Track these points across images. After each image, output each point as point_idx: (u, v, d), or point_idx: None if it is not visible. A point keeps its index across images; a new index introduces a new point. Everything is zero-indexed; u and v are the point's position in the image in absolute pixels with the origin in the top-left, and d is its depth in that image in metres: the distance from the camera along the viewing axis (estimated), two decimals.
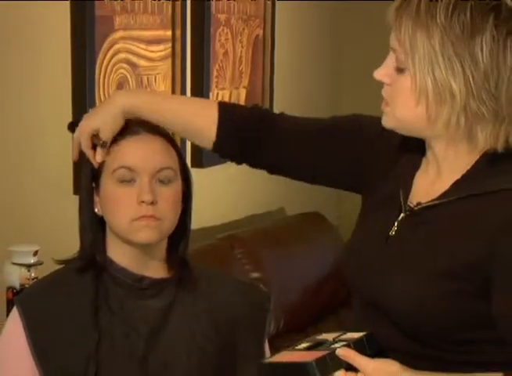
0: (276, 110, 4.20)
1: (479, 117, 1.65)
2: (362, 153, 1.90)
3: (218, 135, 1.97)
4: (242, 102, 4.06)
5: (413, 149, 1.81)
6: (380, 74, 1.72)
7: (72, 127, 2.00)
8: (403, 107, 1.70)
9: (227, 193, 4.11)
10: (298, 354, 1.70)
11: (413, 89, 1.67)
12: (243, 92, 4.09)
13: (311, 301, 4.00)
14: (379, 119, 1.78)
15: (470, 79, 1.62)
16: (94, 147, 1.88)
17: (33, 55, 3.00)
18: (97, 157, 1.86)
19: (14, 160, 2.97)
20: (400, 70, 1.69)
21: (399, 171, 1.83)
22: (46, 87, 3.05)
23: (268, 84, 4.25)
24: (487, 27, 1.61)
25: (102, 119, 1.90)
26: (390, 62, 1.71)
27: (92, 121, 1.91)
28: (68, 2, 3.06)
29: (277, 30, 4.26)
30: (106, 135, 1.88)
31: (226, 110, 1.99)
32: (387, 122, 1.75)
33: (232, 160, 2.03)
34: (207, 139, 1.99)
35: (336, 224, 4.55)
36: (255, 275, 3.72)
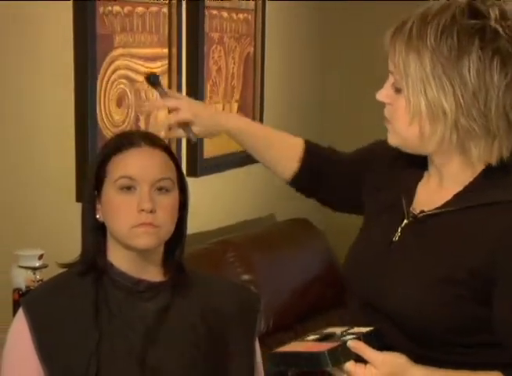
0: (265, 121, 4.22)
1: (471, 134, 1.66)
2: (364, 173, 1.96)
3: (299, 169, 2.07)
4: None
5: (416, 163, 1.82)
6: (381, 95, 1.74)
7: (152, 79, 2.02)
8: (401, 125, 1.71)
9: (220, 201, 4.11)
10: (309, 344, 1.70)
11: (408, 109, 1.68)
12: (235, 106, 4.10)
13: (299, 302, 3.99)
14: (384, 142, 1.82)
15: (460, 98, 1.63)
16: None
17: (38, 70, 3.00)
18: (163, 134, 1.92)
19: (22, 173, 2.97)
20: (398, 90, 1.70)
21: (402, 182, 1.83)
22: (50, 102, 3.05)
23: (259, 98, 4.25)
24: (473, 49, 1.62)
25: (207, 126, 2.03)
26: (389, 83, 1.73)
27: (200, 115, 2.01)
28: (71, 22, 3.06)
29: (267, 47, 4.26)
30: (199, 135, 2.01)
31: (310, 147, 2.09)
32: (392, 140, 1.77)
33: (303, 193, 2.14)
34: (288, 170, 2.09)
35: (323, 229, 4.55)
36: (246, 277, 3.72)
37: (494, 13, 1.63)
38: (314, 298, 4.08)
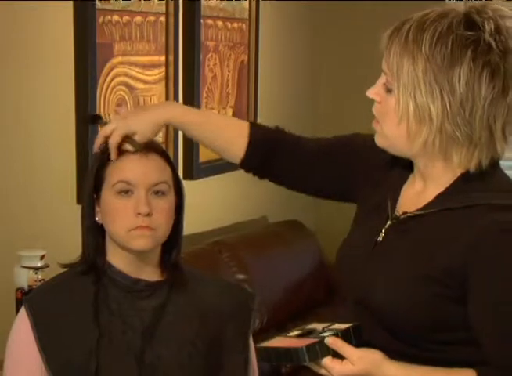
0: None
1: (454, 140, 1.66)
2: (355, 166, 1.92)
3: (246, 150, 1.98)
4: None
5: (403, 165, 1.82)
6: (371, 92, 1.73)
7: (94, 119, 1.96)
8: (389, 124, 1.71)
9: (215, 203, 4.11)
10: (290, 340, 1.71)
11: (396, 109, 1.68)
12: (229, 112, 4.10)
13: (292, 300, 4.00)
14: (373, 136, 1.79)
15: (447, 105, 1.63)
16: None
17: (41, 77, 2.99)
18: (112, 156, 1.82)
19: (24, 178, 2.97)
20: (388, 90, 1.70)
21: (389, 183, 1.83)
22: (52, 108, 3.05)
23: (253, 105, 4.26)
24: (465, 60, 1.61)
25: (144, 125, 1.89)
26: (381, 82, 1.72)
27: (133, 124, 1.89)
28: (72, 31, 3.06)
29: (260, 55, 4.27)
30: (142, 140, 1.87)
31: (256, 128, 2.01)
32: (379, 141, 1.76)
33: (254, 174, 2.03)
34: (234, 154, 2.00)
35: (313, 230, 4.55)
36: (241, 277, 3.72)
37: (489, 27, 1.62)
38: (305, 296, 4.09)
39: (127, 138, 1.87)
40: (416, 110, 1.65)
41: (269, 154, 1.99)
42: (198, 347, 1.85)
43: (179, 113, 1.98)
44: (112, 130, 1.88)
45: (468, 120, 1.63)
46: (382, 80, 1.72)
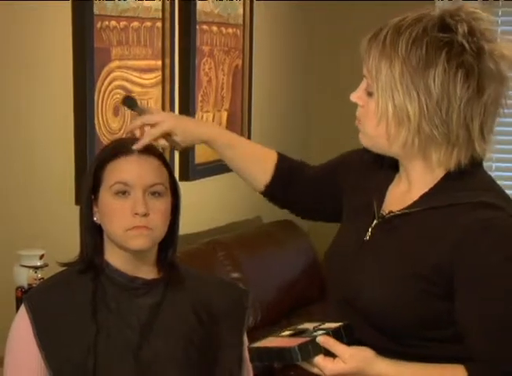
0: (253, 129, 4.23)
1: (432, 140, 1.67)
2: (347, 176, 1.94)
3: (271, 179, 2.05)
4: (223, 122, 4.07)
5: (388, 166, 1.83)
6: (354, 96, 1.75)
7: (128, 102, 2.01)
8: (369, 125, 1.72)
9: (210, 204, 4.11)
10: (282, 340, 1.70)
11: (376, 111, 1.69)
12: (224, 115, 4.10)
13: (285, 298, 4.00)
14: (359, 149, 1.83)
15: (424, 105, 1.63)
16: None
17: (40, 82, 2.99)
18: (138, 146, 1.84)
19: (24, 180, 2.97)
20: (370, 93, 1.71)
21: (375, 184, 1.84)
22: (51, 111, 3.05)
23: (247, 107, 4.26)
24: (439, 61, 1.62)
25: (188, 135, 1.99)
26: (362, 86, 1.73)
27: (179, 128, 1.98)
28: (70, 36, 3.06)
29: (254, 60, 4.27)
30: (179, 146, 1.99)
31: (283, 158, 2.07)
32: (363, 141, 1.78)
33: (276, 202, 2.11)
34: (260, 180, 2.06)
35: (306, 230, 4.55)
36: (235, 275, 3.72)
37: (462, 29, 1.63)
38: (298, 294, 4.09)
39: (168, 135, 1.93)
40: (394, 110, 1.66)
41: (288, 184, 2.04)
42: (194, 343, 1.85)
43: (217, 135, 2.05)
44: (156, 122, 1.92)
45: (445, 119, 1.64)
46: (363, 84, 1.73)
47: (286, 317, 3.89)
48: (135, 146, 1.83)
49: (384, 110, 1.67)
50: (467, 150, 1.68)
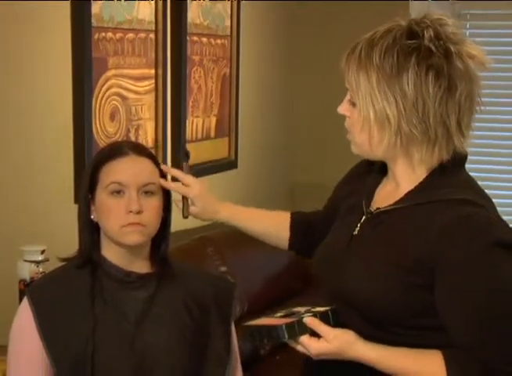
0: (240, 133, 4.22)
1: (413, 139, 1.68)
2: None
3: (291, 235, 2.11)
4: (212, 127, 4.07)
5: (376, 171, 1.85)
6: (341, 109, 1.77)
7: (187, 155, 2.07)
8: (356, 133, 1.73)
9: None
10: (274, 320, 1.71)
11: (359, 119, 1.70)
12: (213, 120, 4.09)
13: (270, 290, 3.99)
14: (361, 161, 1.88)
15: (402, 108, 1.65)
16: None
17: (41, 90, 2.98)
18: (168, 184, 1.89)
19: (26, 180, 2.95)
20: (353, 104, 1.72)
21: (364, 187, 1.85)
22: (51, 117, 3.03)
23: (234, 113, 4.25)
24: (410, 66, 1.64)
25: (207, 211, 2.09)
26: (346, 98, 1.75)
27: (201, 201, 2.05)
28: (69, 46, 3.05)
29: (241, 69, 4.27)
30: (195, 209, 2.05)
31: (296, 213, 2.13)
32: (353, 149, 1.79)
33: (302, 254, 2.14)
34: (283, 240, 2.14)
35: None
36: (223, 269, 3.71)
37: (428, 34, 1.65)
38: (282, 286, 4.08)
39: (185, 200, 2.00)
40: (375, 116, 1.67)
41: (309, 233, 2.08)
42: (185, 334, 1.85)
43: (232, 215, 2.13)
44: (188, 184, 2.01)
45: (422, 118, 1.65)
46: (347, 97, 1.75)
47: (272, 308, 3.88)
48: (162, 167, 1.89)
49: (367, 116, 1.68)
50: (448, 145, 1.69)
